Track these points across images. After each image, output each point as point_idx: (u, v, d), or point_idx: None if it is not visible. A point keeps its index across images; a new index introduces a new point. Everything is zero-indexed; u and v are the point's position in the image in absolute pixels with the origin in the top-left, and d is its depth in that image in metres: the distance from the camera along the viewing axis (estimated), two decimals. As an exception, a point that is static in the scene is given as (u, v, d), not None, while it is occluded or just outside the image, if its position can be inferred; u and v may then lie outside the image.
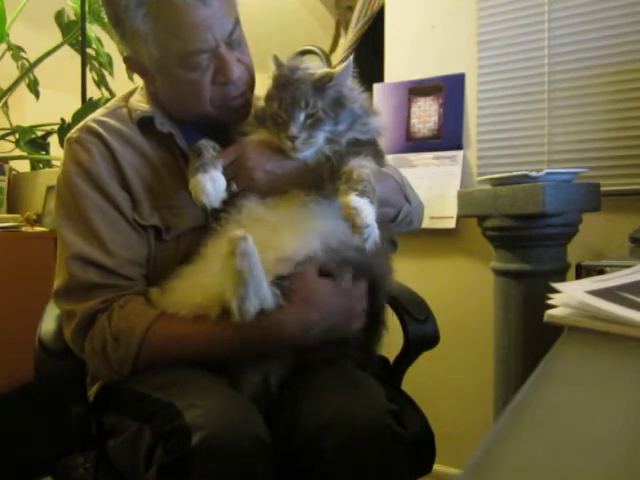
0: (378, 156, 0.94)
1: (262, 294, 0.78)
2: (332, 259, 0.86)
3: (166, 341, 0.85)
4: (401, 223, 1.05)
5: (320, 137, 0.87)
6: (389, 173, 1.03)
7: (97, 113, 0.98)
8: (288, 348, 0.84)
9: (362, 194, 0.79)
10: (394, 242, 1.07)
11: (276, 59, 0.93)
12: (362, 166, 0.85)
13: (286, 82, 0.90)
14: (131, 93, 1.02)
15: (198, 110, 0.94)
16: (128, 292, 0.89)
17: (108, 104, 1.01)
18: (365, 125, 0.92)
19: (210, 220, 0.94)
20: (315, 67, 0.94)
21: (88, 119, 0.96)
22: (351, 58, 0.91)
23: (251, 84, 0.97)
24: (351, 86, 0.93)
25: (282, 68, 0.92)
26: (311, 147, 0.87)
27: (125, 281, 0.90)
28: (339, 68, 0.90)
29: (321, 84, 0.88)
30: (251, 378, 0.85)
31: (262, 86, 1.00)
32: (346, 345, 0.90)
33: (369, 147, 0.92)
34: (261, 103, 0.94)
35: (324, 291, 0.84)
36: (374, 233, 0.78)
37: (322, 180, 0.88)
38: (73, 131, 0.96)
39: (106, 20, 2.34)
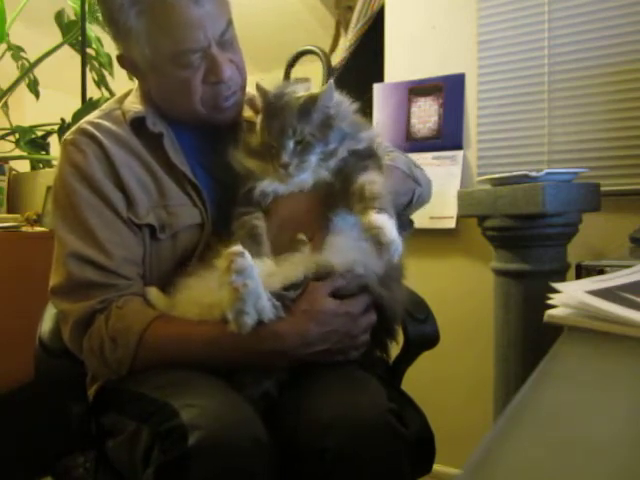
0: (380, 164, 0.95)
1: (260, 306, 0.78)
2: (349, 282, 0.86)
3: (163, 342, 0.85)
4: (415, 205, 1.10)
5: (312, 160, 0.89)
6: (394, 165, 1.05)
7: (92, 115, 1.00)
8: (287, 361, 0.84)
9: (380, 211, 0.81)
10: (411, 221, 1.13)
11: (259, 88, 0.93)
12: (372, 181, 0.86)
13: (273, 111, 0.90)
14: (125, 95, 1.03)
15: (189, 109, 0.95)
16: (126, 292, 0.89)
17: (103, 106, 1.03)
18: (356, 140, 0.92)
19: (206, 219, 0.94)
20: (302, 88, 0.94)
21: (82, 121, 0.98)
22: (331, 80, 0.91)
23: (242, 84, 0.98)
24: (338, 103, 0.93)
25: (268, 97, 0.92)
26: (304, 171, 0.89)
27: (122, 280, 0.90)
28: (321, 91, 0.90)
29: (306, 109, 0.89)
30: (250, 381, 0.85)
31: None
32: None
33: (371, 158, 0.93)
34: (255, 139, 0.94)
35: (328, 309, 0.84)
36: (399, 247, 0.78)
37: (334, 200, 0.90)
38: (68, 133, 0.97)
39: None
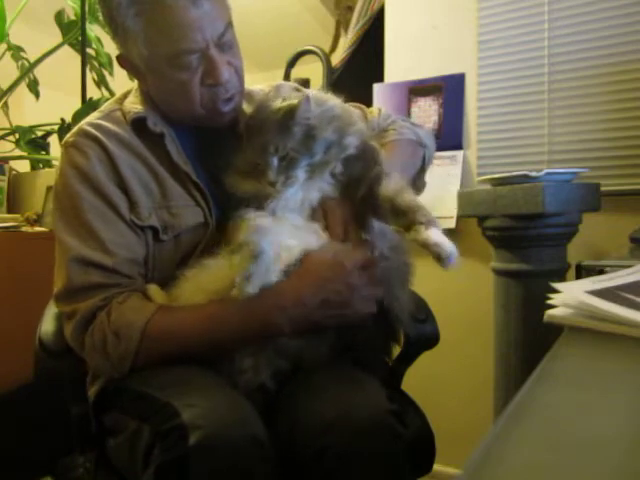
0: (377, 160, 0.94)
1: (268, 279, 0.80)
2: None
3: (166, 331, 0.85)
4: (426, 167, 1.14)
5: (299, 174, 0.88)
6: (404, 138, 1.08)
7: (92, 117, 0.98)
8: (288, 320, 0.83)
9: (428, 225, 0.82)
10: (423, 183, 1.15)
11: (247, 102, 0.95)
12: (399, 191, 0.87)
13: (254, 128, 0.90)
14: (125, 95, 1.03)
15: (188, 110, 0.94)
16: (127, 289, 0.89)
17: (102, 107, 1.02)
18: (342, 147, 0.90)
19: (210, 219, 0.94)
20: (281, 97, 0.92)
21: (83, 123, 0.97)
22: (309, 94, 0.89)
23: (240, 88, 0.97)
24: (320, 112, 0.89)
25: (246, 117, 0.93)
26: (292, 185, 0.88)
27: (125, 279, 0.90)
28: (298, 103, 0.87)
29: (285, 124, 0.87)
30: (248, 366, 0.85)
31: (262, 84, 0.99)
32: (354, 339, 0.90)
33: (376, 164, 0.93)
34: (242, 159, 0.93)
35: (319, 259, 0.85)
36: (456, 253, 0.80)
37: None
38: (69, 135, 0.96)
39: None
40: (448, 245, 0.80)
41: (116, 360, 0.85)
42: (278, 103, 0.90)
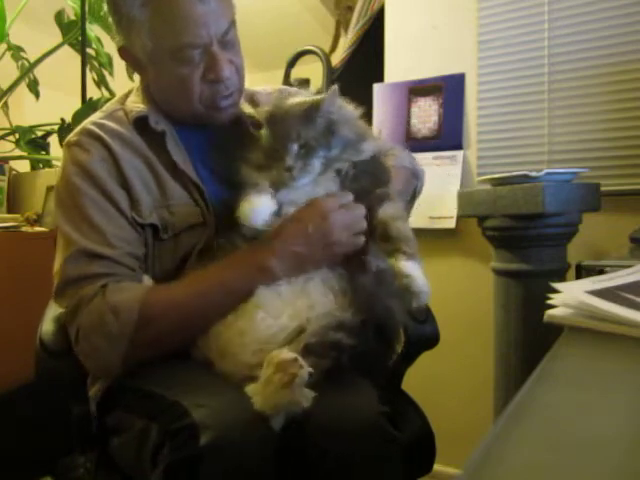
0: (387, 180, 0.96)
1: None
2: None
3: (165, 299, 0.86)
4: (416, 198, 1.15)
5: (315, 164, 0.89)
6: (402, 165, 1.08)
7: (95, 117, 0.99)
8: (279, 263, 0.84)
9: (410, 257, 0.83)
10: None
11: (259, 112, 0.95)
12: (395, 217, 0.88)
13: (276, 117, 0.92)
14: (127, 95, 1.03)
15: (187, 107, 0.95)
16: (127, 278, 0.89)
17: (104, 107, 1.02)
18: (358, 150, 0.93)
19: (208, 218, 0.94)
20: (304, 94, 0.95)
21: (86, 123, 0.97)
22: (335, 86, 0.91)
23: (240, 87, 0.98)
24: (340, 109, 0.93)
25: (269, 109, 0.93)
26: (308, 174, 0.89)
27: (125, 269, 0.89)
28: (325, 96, 0.91)
29: (309, 114, 0.90)
30: None
31: (262, 84, 0.99)
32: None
33: (385, 183, 0.94)
34: (260, 153, 0.94)
35: (298, 210, 0.88)
36: (428, 293, 0.82)
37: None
38: (72, 135, 0.96)
39: (106, 19, 2.35)
40: (421, 283, 0.81)
41: (116, 335, 0.82)
42: (304, 97, 0.93)
